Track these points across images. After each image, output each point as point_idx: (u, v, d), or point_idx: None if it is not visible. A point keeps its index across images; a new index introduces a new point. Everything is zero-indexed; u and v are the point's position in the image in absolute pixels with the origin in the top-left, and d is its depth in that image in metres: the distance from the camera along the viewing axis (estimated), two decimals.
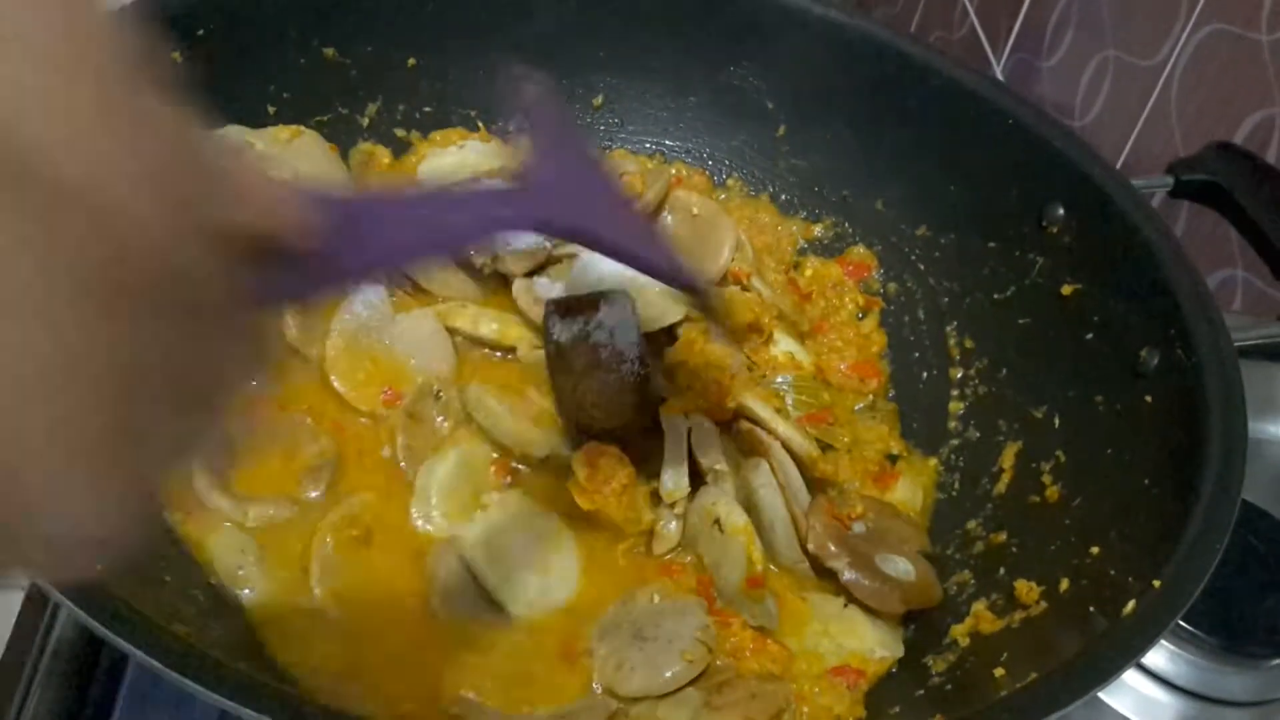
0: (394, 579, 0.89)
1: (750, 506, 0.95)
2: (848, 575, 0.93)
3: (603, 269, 1.02)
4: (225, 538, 0.88)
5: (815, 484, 1.01)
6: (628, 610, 0.89)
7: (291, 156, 1.13)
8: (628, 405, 0.95)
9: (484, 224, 0.64)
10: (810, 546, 0.95)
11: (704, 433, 0.98)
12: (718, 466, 0.96)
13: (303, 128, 1.17)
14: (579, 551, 0.93)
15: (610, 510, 0.91)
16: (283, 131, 1.15)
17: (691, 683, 0.83)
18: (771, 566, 0.95)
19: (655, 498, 0.96)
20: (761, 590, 0.89)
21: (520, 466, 0.98)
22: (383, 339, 1.03)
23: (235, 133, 1.11)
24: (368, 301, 1.04)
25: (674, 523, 0.94)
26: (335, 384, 0.99)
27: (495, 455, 0.98)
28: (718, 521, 0.90)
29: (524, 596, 0.89)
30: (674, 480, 0.95)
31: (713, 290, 0.95)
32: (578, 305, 0.93)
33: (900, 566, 0.96)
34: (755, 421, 1.01)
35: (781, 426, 1.00)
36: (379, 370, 1.01)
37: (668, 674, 0.82)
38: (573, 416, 0.96)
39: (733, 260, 1.16)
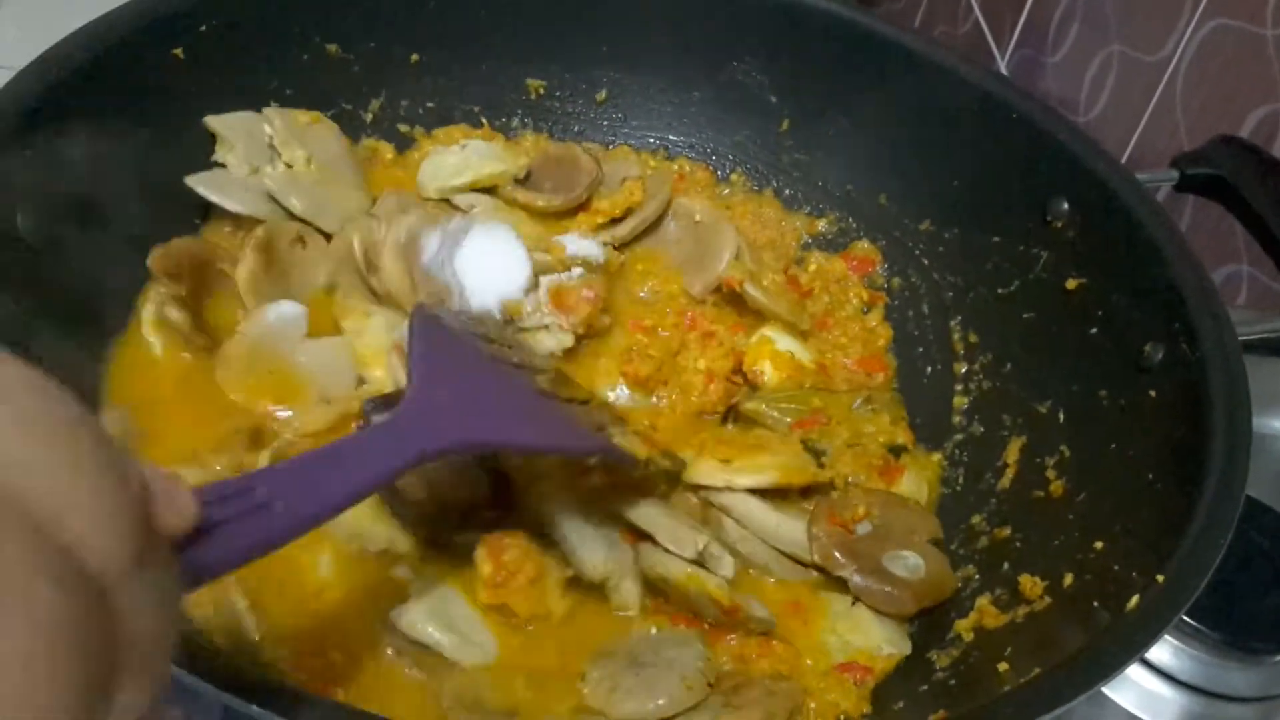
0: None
1: (735, 555, 0.94)
2: (856, 581, 0.93)
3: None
4: None
5: (817, 488, 1.02)
6: (625, 640, 0.88)
7: (307, 140, 1.14)
8: (483, 477, 0.92)
9: (382, 472, 0.70)
10: (816, 557, 0.95)
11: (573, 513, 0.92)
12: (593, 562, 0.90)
13: (322, 115, 1.17)
14: None
15: (516, 605, 0.86)
16: (302, 115, 1.16)
17: (684, 712, 0.81)
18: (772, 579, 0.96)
19: (574, 581, 0.90)
20: (740, 613, 0.88)
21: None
22: (291, 354, 1.00)
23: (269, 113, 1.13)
24: (283, 315, 1.01)
25: (626, 587, 0.90)
26: (220, 380, 0.97)
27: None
28: (664, 579, 0.89)
29: (484, 651, 0.86)
30: (590, 560, 0.89)
31: (617, 447, 0.92)
32: (390, 398, 0.92)
33: (910, 562, 0.95)
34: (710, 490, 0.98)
35: (743, 481, 0.97)
36: (275, 383, 0.98)
37: (660, 700, 0.80)
38: (423, 503, 0.89)
39: (729, 268, 1.16)
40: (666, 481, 0.98)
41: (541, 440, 0.88)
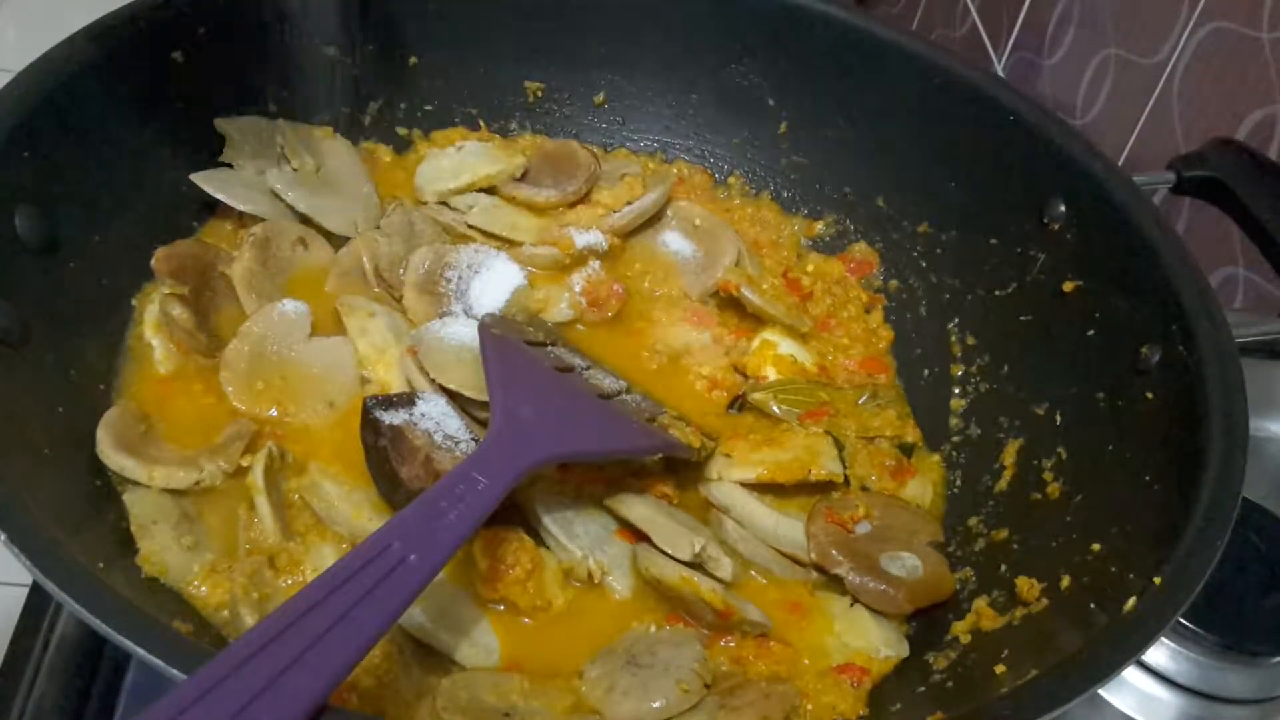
0: None
1: (734, 556, 0.94)
2: (852, 579, 0.93)
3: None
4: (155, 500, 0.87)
5: (822, 487, 1.02)
6: (624, 638, 0.88)
7: (318, 150, 1.15)
8: None
9: (489, 502, 0.76)
10: (813, 555, 0.95)
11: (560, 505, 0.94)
12: (568, 543, 0.91)
13: (337, 133, 1.19)
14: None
15: (515, 597, 0.87)
16: (316, 129, 1.18)
17: (681, 714, 0.81)
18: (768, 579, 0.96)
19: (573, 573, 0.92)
20: (735, 616, 0.88)
21: None
22: (294, 354, 1.00)
23: (281, 124, 1.15)
24: (286, 314, 1.02)
25: (619, 582, 0.91)
26: (224, 381, 0.97)
27: None
28: (659, 580, 0.89)
29: (484, 649, 0.86)
30: (570, 550, 0.91)
31: (676, 440, 0.97)
32: (396, 400, 0.93)
33: (908, 563, 0.96)
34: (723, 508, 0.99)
35: (733, 474, 1.00)
36: (278, 387, 0.98)
37: (657, 703, 0.80)
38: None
39: (727, 273, 1.17)
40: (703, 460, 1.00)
41: (615, 445, 0.93)
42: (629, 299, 1.16)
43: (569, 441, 0.88)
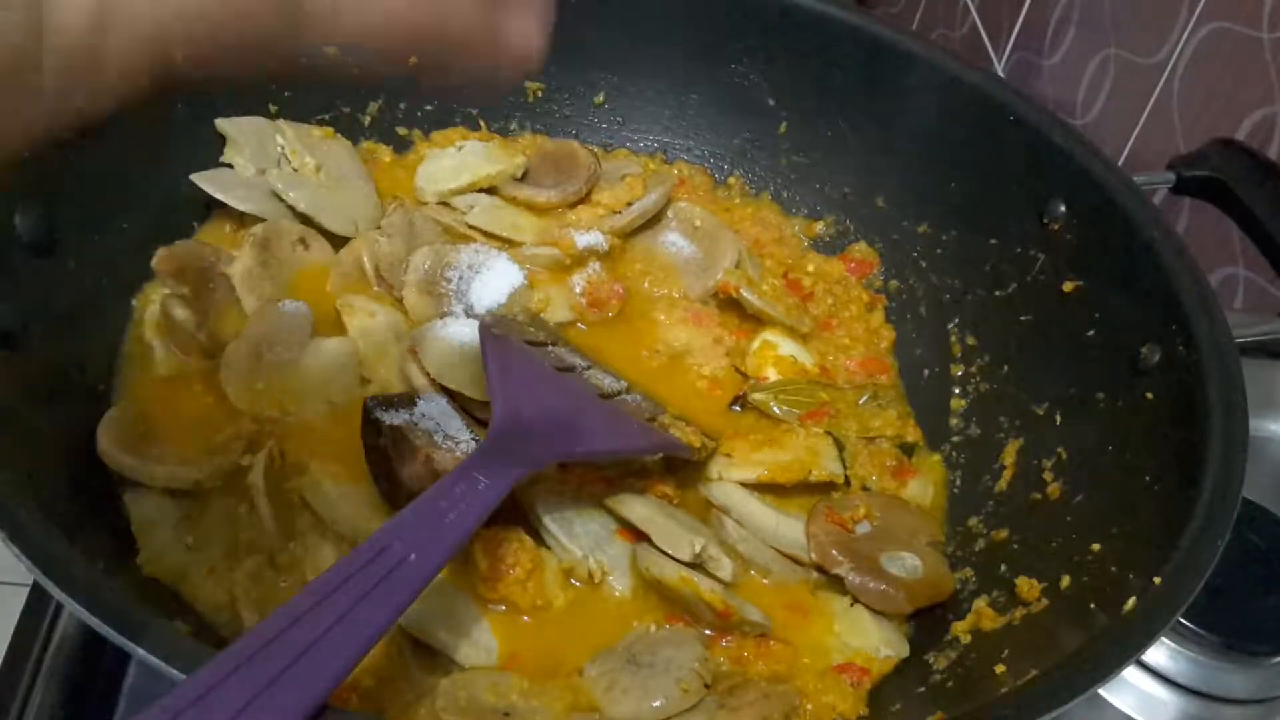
0: None
1: (735, 556, 0.94)
2: (852, 579, 0.93)
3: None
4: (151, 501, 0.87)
5: (823, 487, 1.02)
6: (624, 637, 0.87)
7: (318, 150, 1.15)
8: None
9: (490, 502, 0.76)
10: (813, 555, 0.96)
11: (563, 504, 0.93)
12: (567, 543, 0.91)
13: (337, 134, 1.19)
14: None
15: (515, 597, 0.87)
16: (315, 129, 1.18)
17: (680, 714, 0.81)
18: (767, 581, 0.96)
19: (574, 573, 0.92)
20: (734, 616, 0.88)
21: None
22: (296, 355, 1.00)
23: (281, 124, 1.15)
24: (287, 314, 1.01)
25: (619, 582, 0.91)
26: (224, 381, 0.96)
27: None
28: (659, 580, 0.89)
29: (484, 649, 0.86)
30: (570, 550, 0.90)
31: (676, 440, 0.97)
32: (396, 400, 0.93)
33: (908, 563, 0.96)
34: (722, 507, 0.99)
35: (733, 474, 1.00)
36: (278, 387, 0.97)
37: (657, 702, 0.80)
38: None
39: (727, 274, 1.16)
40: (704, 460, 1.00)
41: (615, 445, 0.94)
42: (629, 299, 1.16)
43: (569, 441, 0.89)
